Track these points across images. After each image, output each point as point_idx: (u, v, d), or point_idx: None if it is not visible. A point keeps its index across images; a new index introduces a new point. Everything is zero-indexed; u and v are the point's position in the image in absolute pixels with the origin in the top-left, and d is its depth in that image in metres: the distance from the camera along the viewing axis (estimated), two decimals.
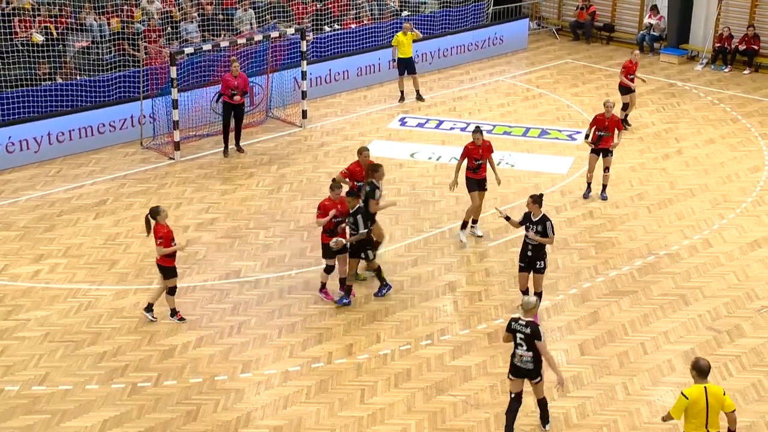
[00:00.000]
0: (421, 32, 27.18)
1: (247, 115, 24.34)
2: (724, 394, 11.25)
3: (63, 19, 24.20)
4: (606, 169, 20.24)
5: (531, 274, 15.85)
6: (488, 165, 18.44)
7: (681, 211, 20.04)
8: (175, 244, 15.69)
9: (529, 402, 13.42)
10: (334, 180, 16.61)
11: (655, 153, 22.91)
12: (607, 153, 20.06)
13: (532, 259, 15.68)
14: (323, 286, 16.69)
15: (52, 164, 22.39)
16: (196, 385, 14.51)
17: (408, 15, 29.26)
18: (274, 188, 21.12)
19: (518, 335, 12.62)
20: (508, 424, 12.98)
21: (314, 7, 27.85)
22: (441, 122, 24.90)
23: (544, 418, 13.40)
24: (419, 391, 14.36)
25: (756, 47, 28.60)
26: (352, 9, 28.75)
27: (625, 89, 24.02)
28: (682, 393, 11.24)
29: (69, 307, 16.60)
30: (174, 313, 16.07)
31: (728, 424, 11.29)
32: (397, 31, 26.86)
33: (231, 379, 14.66)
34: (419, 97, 26.47)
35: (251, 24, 26.32)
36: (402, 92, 26.49)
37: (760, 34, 28.65)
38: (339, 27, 28.10)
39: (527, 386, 13.03)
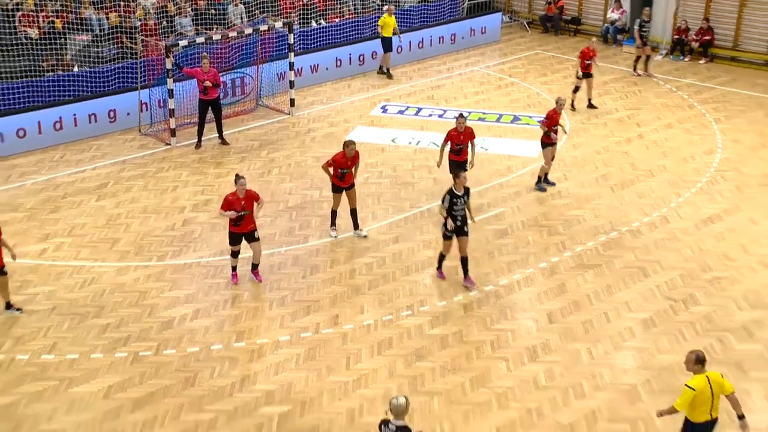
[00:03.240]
0: (399, 25, 27.59)
1: (238, 104, 24.51)
2: (723, 377, 11.18)
3: (64, 14, 24.16)
4: (552, 158, 20.20)
5: (456, 240, 16.24)
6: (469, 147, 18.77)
7: (641, 190, 20.25)
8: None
9: (519, 411, 13.43)
10: (237, 175, 16.10)
11: (618, 137, 23.11)
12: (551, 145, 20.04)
13: (460, 227, 16.06)
14: (234, 269, 16.70)
15: (56, 150, 22.41)
16: (193, 353, 14.66)
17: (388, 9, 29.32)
18: (264, 171, 21.21)
19: None
20: None
21: (301, 2, 27.89)
22: (420, 109, 25.02)
23: None
24: (400, 358, 14.54)
25: (710, 39, 28.84)
26: (337, 4, 28.81)
27: (584, 74, 24.49)
28: (687, 386, 11.01)
29: (74, 282, 16.70)
30: (9, 305, 15.65)
31: (733, 407, 11.24)
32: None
33: (226, 348, 14.80)
34: (384, 72, 27.66)
35: (242, 18, 26.34)
36: (381, 67, 27.69)
37: (714, 26, 28.85)
38: (324, 21, 28.15)
39: None
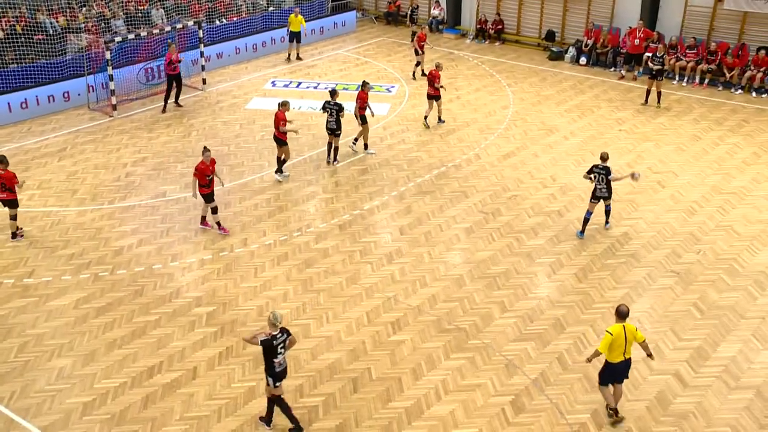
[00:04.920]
0: (281, 22, 26.65)
1: (162, 84, 23.40)
2: (637, 330, 10.32)
3: (24, 18, 22.43)
4: (440, 104, 20.81)
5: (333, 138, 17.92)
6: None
7: (461, 136, 20.26)
8: (16, 182, 14.74)
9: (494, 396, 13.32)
10: (204, 147, 15.00)
11: (443, 99, 22.91)
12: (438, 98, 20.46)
13: (336, 129, 17.81)
14: (219, 224, 15.31)
15: (24, 124, 20.89)
16: (139, 272, 14.06)
17: (273, 10, 28.32)
18: (186, 134, 20.29)
19: (279, 346, 10.00)
20: (290, 416, 10.36)
21: (206, 6, 26.65)
22: (300, 83, 24.33)
23: (293, 422, 10.41)
24: (294, 267, 14.27)
25: (501, 28, 28.95)
26: (234, 6, 27.64)
27: (416, 52, 24.47)
28: (607, 331, 10.18)
29: (45, 223, 15.75)
30: (15, 235, 15.07)
31: (643, 349, 10.50)
32: (268, 22, 27.06)
33: (164, 267, 14.24)
34: (298, 58, 26.42)
35: (162, 19, 24.99)
36: (289, 55, 26.43)
37: (504, 19, 28.96)
38: (225, 20, 26.99)
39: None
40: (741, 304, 13.15)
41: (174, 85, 21.67)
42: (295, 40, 26.32)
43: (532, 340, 12.26)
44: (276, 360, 10.00)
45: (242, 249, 14.85)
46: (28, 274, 13.98)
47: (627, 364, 10.40)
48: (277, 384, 10.18)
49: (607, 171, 14.72)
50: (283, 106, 17.11)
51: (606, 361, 10.37)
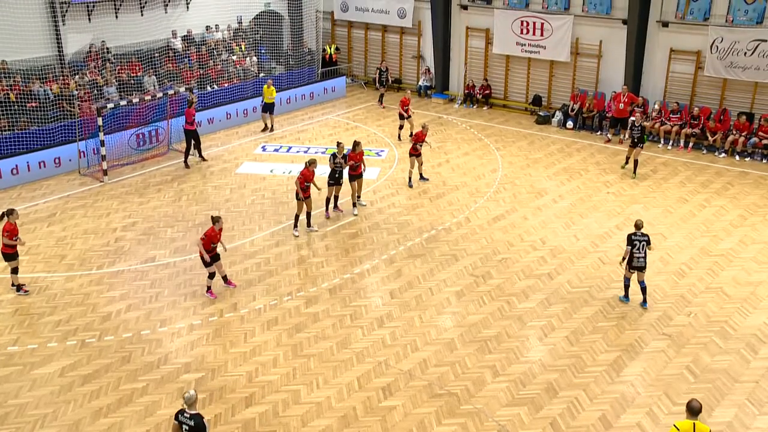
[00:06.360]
0: (275, 88, 26.95)
1: (153, 149, 23.62)
2: (710, 430, 9.41)
3: (18, 86, 22.72)
4: (421, 164, 21.33)
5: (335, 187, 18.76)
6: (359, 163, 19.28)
7: (450, 199, 20.42)
8: (16, 239, 15.05)
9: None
10: (214, 216, 15.07)
11: (432, 162, 23.21)
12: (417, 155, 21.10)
13: (340, 177, 18.69)
14: (209, 288, 15.35)
15: (14, 190, 20.94)
16: (127, 338, 13.92)
17: (264, 76, 28.81)
18: (176, 198, 20.38)
19: (184, 427, 9.61)
20: None
21: (198, 73, 27.09)
22: (290, 148, 24.59)
23: None
24: (284, 332, 14.17)
25: (489, 93, 29.50)
26: (225, 73, 28.10)
27: (400, 116, 24.96)
28: (674, 425, 9.31)
29: (32, 290, 15.59)
30: (19, 288, 15.37)
31: None
32: (259, 87, 27.20)
33: (152, 332, 14.11)
34: (272, 129, 26.27)
35: (154, 85, 25.36)
36: (265, 124, 26.35)
37: (491, 84, 29.53)
38: (216, 86, 27.41)
39: None
40: (734, 368, 13.11)
41: (193, 140, 22.55)
42: (269, 111, 26.07)
43: (524, 405, 12.13)
44: None
45: (232, 314, 14.76)
46: (13, 342, 13.80)
47: None
48: None
49: (648, 239, 14.43)
50: (311, 164, 17.53)
51: None
